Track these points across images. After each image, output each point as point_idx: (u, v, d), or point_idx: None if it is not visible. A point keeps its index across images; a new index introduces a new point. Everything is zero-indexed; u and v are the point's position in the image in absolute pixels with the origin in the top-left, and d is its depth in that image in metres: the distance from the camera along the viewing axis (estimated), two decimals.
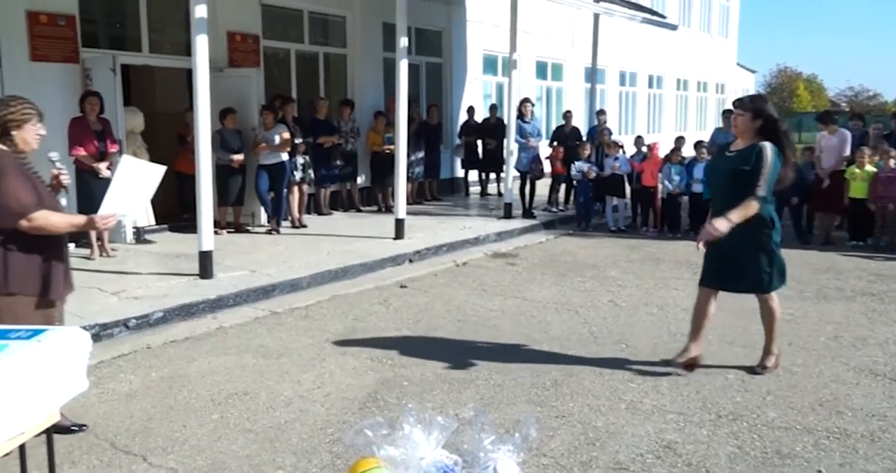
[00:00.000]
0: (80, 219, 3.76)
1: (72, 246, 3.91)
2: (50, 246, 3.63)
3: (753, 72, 35.85)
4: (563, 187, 12.41)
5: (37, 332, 2.89)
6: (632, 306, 6.68)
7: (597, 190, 11.20)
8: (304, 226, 9.99)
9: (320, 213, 11.08)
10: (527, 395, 4.52)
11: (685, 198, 10.75)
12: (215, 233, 7.51)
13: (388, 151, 11.14)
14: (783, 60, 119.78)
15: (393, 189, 10.11)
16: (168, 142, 9.87)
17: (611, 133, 12.21)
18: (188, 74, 8.21)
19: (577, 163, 11.07)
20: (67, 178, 3.85)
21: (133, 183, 3.83)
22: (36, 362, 2.72)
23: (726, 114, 11.83)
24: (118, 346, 5.36)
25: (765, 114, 4.52)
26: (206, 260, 6.98)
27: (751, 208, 4.43)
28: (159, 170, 3.98)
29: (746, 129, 4.56)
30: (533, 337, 5.70)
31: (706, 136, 12.09)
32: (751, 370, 4.88)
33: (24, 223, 3.47)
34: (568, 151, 11.80)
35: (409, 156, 10.51)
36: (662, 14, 18.96)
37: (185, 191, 9.09)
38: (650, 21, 16.04)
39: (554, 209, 12.07)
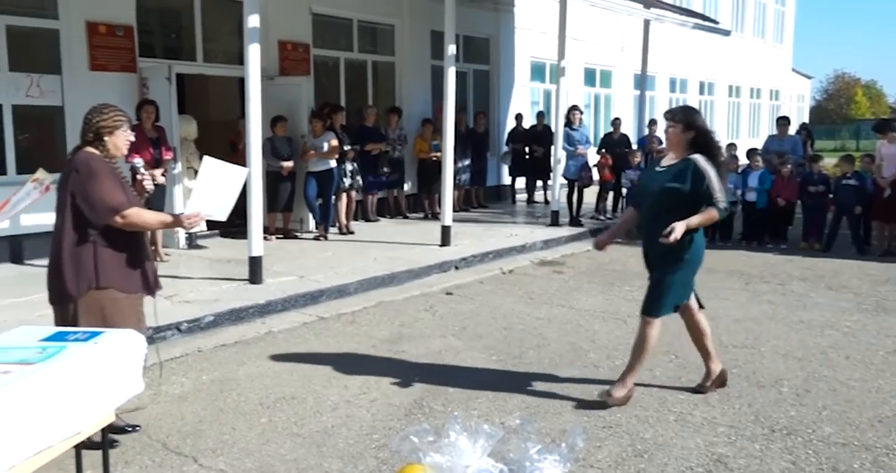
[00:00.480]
0: (169, 218, 3.98)
1: None
2: (134, 245, 3.80)
3: (809, 78, 35.06)
4: (610, 195, 12.29)
5: (94, 334, 2.97)
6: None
7: None
8: (352, 233, 10.07)
9: (367, 220, 11.17)
10: (573, 405, 4.47)
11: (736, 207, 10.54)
12: (264, 238, 7.62)
13: (434, 158, 11.19)
14: (841, 66, 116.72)
15: (439, 196, 10.14)
16: (220, 149, 10.06)
17: (661, 141, 12.04)
18: (240, 83, 8.38)
19: (627, 171, 10.96)
20: (151, 184, 3.99)
21: (216, 183, 3.95)
22: (93, 363, 2.80)
23: (781, 121, 11.57)
24: (170, 349, 5.47)
25: (696, 126, 4.27)
26: (255, 265, 7.09)
27: (711, 216, 4.20)
28: (241, 172, 4.08)
29: (678, 142, 4.30)
30: (580, 347, 5.65)
31: (759, 144, 11.83)
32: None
33: (118, 219, 3.65)
34: (616, 159, 11.69)
35: (455, 163, 10.53)
36: (715, 19, 18.63)
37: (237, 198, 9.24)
38: (702, 27, 15.81)
39: (602, 217, 11.96)
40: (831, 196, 9.94)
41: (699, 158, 4.20)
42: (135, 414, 4.15)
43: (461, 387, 4.75)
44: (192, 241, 8.92)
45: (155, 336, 5.60)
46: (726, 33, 17.11)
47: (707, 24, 16.60)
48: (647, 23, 13.59)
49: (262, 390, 4.69)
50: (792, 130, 11.99)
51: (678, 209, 4.18)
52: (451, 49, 9.07)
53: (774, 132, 11.58)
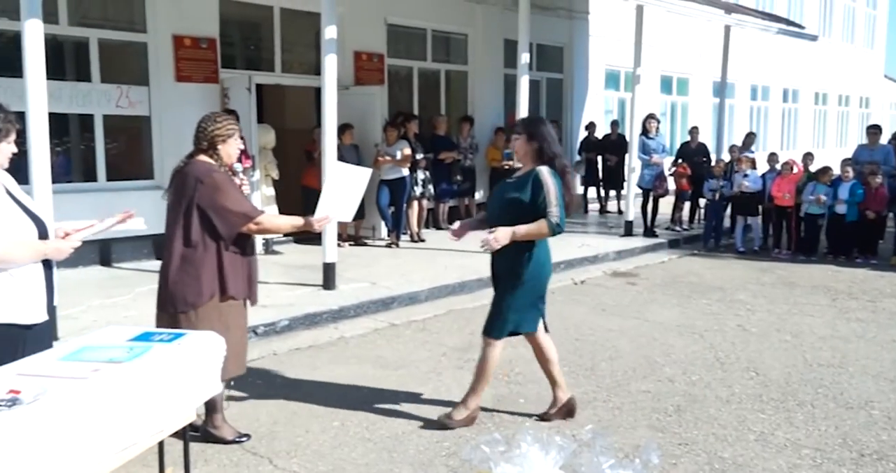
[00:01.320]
0: (300, 220, 4.03)
1: None
2: (251, 251, 3.91)
3: None
4: (687, 205, 12.01)
5: (177, 336, 3.07)
6: (762, 332, 6.35)
7: (730, 208, 10.78)
8: (423, 240, 10.13)
9: (439, 228, 11.21)
10: (647, 420, 4.38)
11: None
12: (338, 245, 7.74)
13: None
14: None
15: None
16: (296, 157, 10.30)
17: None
18: (316, 92, 8.56)
19: (709, 180, 10.71)
20: (248, 189, 4.11)
21: (343, 186, 4.04)
22: (176, 364, 2.89)
23: (871, 129, 11.08)
24: (247, 352, 5.59)
25: (538, 137, 4.11)
26: (329, 271, 7.21)
27: (542, 228, 3.97)
28: (366, 173, 4.15)
29: (524, 153, 4.14)
30: (654, 360, 5.52)
31: (848, 153, 11.35)
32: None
33: (251, 226, 3.76)
34: (694, 168, 11.42)
35: None
36: (800, 24, 18.03)
37: (311, 205, 9.41)
38: (787, 32, 15.28)
39: (677, 228, 11.70)
40: None
41: (543, 170, 4.04)
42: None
43: (532, 398, 4.70)
44: (268, 247, 9.14)
45: None
46: (813, 38, 16.46)
47: (792, 29, 16.05)
48: (727, 29, 13.25)
49: (334, 394, 4.75)
50: (884, 139, 11.43)
51: (520, 222, 4.00)
52: (525, 58, 9.05)
53: (864, 141, 11.11)
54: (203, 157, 3.81)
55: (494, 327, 4.21)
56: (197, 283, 3.70)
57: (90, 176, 8.29)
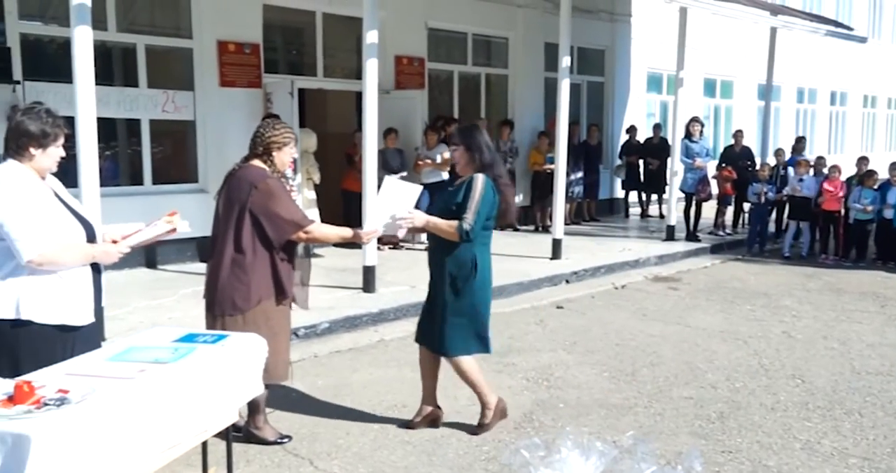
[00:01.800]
0: (349, 233, 4.05)
1: None
2: (294, 256, 3.95)
3: None
4: (730, 210, 11.81)
5: (220, 337, 3.12)
6: (808, 338, 6.21)
7: (780, 212, 10.60)
8: None
9: None
10: (689, 426, 4.31)
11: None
12: (377, 248, 7.78)
13: (548, 171, 11.13)
14: None
15: (551, 208, 10.05)
16: (337, 161, 10.38)
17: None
18: (357, 96, 8.62)
19: (754, 184, 10.54)
20: (296, 194, 4.13)
21: (393, 201, 4.03)
22: (220, 364, 2.93)
23: None
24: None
25: (474, 147, 4.09)
26: (369, 274, 7.25)
27: (451, 228, 3.93)
28: (417, 189, 4.17)
29: (465, 163, 4.12)
30: (696, 366, 5.44)
31: None
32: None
33: (301, 235, 3.80)
34: (738, 172, 11.22)
35: (568, 175, 10.42)
36: (849, 26, 17.58)
37: (352, 209, 9.50)
38: (835, 34, 14.93)
39: (721, 232, 11.51)
40: None
41: (478, 177, 4.04)
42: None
43: (571, 403, 4.67)
44: (308, 250, 9.19)
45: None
46: (862, 40, 16.05)
47: (840, 30, 15.67)
48: (773, 31, 13.00)
49: (374, 396, 4.77)
50: None
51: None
52: (566, 61, 9.00)
53: None
54: (257, 162, 3.84)
55: (441, 342, 4.13)
56: (246, 288, 3.73)
57: (137, 179, 8.46)
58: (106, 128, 7.59)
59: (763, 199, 10.47)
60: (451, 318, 4.09)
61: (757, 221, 10.75)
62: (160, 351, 2.91)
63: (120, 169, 8.62)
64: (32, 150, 2.99)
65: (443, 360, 4.23)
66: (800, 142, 12.10)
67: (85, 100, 5.32)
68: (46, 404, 2.33)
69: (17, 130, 2.98)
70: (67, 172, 3.61)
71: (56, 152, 3.06)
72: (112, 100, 7.97)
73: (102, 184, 5.60)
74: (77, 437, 2.28)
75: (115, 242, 3.21)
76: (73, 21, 5.27)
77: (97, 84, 5.47)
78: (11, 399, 2.34)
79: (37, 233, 2.90)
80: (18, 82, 7.19)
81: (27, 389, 2.35)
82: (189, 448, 2.86)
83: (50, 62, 7.66)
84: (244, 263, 3.73)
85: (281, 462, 3.83)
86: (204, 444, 3.10)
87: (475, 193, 3.97)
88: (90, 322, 3.12)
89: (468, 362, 4.18)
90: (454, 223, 3.96)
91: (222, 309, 3.76)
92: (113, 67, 8.36)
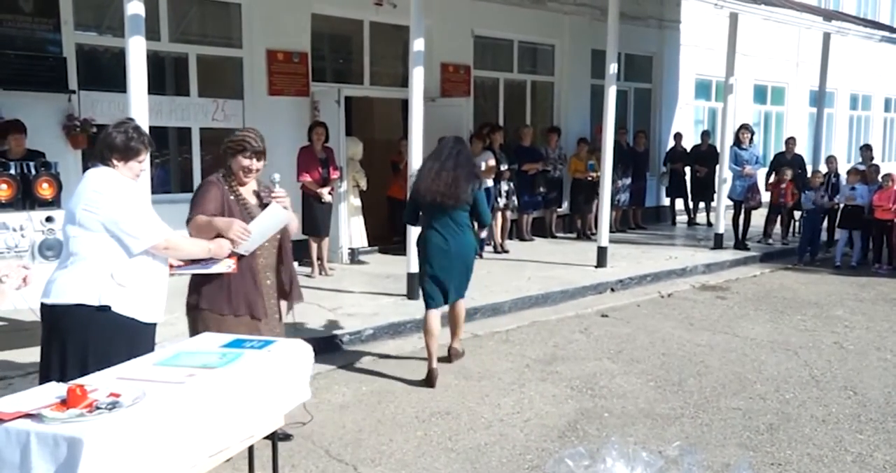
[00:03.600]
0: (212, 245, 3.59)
1: (295, 263, 4.21)
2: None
3: None
4: (780, 218, 11.56)
5: (267, 343, 3.16)
6: (861, 350, 6.05)
7: (832, 221, 10.35)
8: (507, 252, 10.11)
9: (522, 239, 11.17)
10: (738, 438, 4.23)
11: None
12: None
13: (590, 178, 11.05)
14: None
15: (594, 216, 9.96)
16: (382, 168, 10.46)
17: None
18: (403, 104, 8.68)
19: (807, 192, 10.31)
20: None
21: (269, 225, 3.73)
22: (266, 370, 2.98)
23: None
24: (333, 359, 5.71)
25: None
26: (413, 281, 7.25)
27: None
28: (289, 218, 3.82)
29: None
30: (745, 377, 5.34)
31: None
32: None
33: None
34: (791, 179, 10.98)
35: (614, 182, 10.33)
36: None
37: (397, 216, 9.56)
38: (891, 39, 14.55)
39: (770, 241, 11.27)
40: None
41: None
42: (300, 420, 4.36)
43: (616, 412, 4.62)
44: (354, 257, 9.30)
45: (319, 347, 5.89)
46: None
47: None
48: (827, 36, 12.70)
49: (417, 403, 4.79)
50: None
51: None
52: (613, 68, 8.93)
53: None
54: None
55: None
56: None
57: (187, 186, 8.62)
58: (158, 136, 7.77)
59: (819, 206, 10.23)
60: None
61: (808, 230, 10.51)
62: (208, 357, 2.96)
63: (171, 176, 8.82)
64: (115, 161, 3.21)
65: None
66: (866, 152, 11.77)
67: (138, 109, 5.44)
68: (98, 408, 2.38)
69: (104, 141, 3.24)
70: None
71: (137, 167, 3.28)
72: (164, 109, 8.17)
73: (154, 192, 5.73)
74: (128, 441, 2.32)
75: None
76: (127, 31, 5.41)
77: (150, 93, 5.60)
78: (64, 403, 2.40)
79: (157, 221, 3.19)
80: (74, 91, 7.41)
81: (80, 393, 2.41)
82: (235, 452, 2.90)
83: (104, 72, 7.88)
84: None
85: (325, 468, 3.87)
86: (250, 449, 3.15)
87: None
88: (157, 321, 3.32)
89: (427, 316, 5.37)
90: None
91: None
92: (165, 77, 8.57)
